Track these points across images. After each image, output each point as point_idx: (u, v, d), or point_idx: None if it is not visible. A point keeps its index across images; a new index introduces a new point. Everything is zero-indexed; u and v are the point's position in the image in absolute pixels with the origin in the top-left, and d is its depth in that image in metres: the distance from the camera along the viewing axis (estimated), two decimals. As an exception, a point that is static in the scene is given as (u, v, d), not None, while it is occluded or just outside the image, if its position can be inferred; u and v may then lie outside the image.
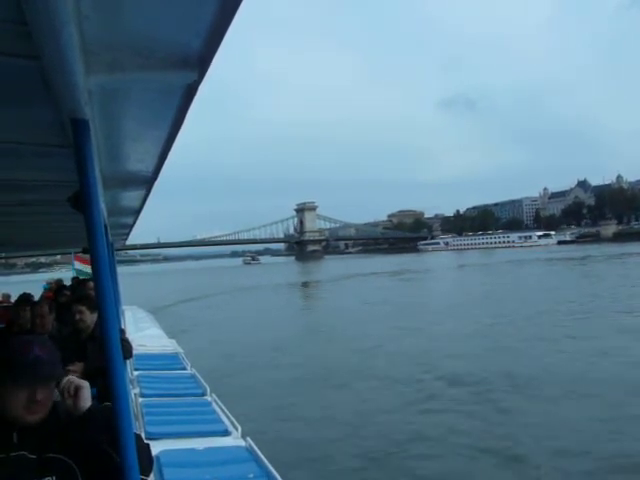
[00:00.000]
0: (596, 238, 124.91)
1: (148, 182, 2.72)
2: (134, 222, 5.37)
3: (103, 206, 3.00)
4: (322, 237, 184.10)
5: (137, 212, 4.34)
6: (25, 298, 5.12)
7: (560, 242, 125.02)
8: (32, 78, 1.19)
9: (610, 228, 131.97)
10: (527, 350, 13.86)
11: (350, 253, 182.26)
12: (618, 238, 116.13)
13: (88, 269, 10.36)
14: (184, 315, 26.05)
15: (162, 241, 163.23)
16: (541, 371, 11.52)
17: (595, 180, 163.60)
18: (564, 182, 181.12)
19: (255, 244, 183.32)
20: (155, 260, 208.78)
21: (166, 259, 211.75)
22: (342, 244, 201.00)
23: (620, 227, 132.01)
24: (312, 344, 16.91)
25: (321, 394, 10.85)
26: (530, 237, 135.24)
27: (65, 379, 1.65)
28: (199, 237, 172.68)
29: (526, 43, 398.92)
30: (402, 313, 22.73)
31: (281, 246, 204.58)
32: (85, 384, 1.69)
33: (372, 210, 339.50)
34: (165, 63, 1.20)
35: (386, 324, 19.69)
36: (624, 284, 28.20)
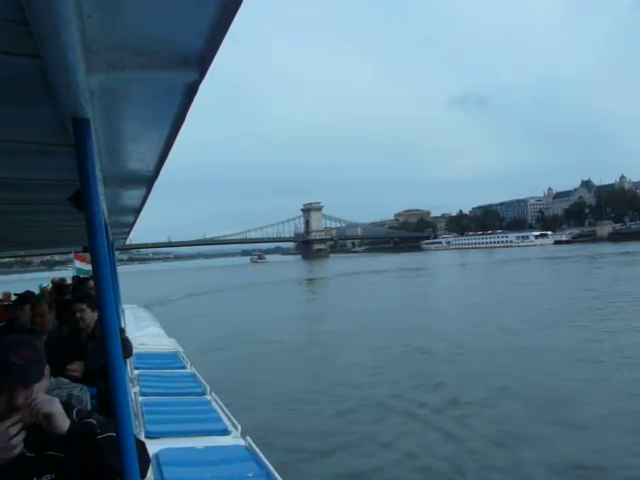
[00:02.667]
0: (592, 238, 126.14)
1: (149, 181, 2.72)
2: (134, 221, 5.37)
3: (104, 205, 3.00)
4: (327, 237, 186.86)
5: (137, 211, 4.34)
6: (25, 297, 5.12)
7: (557, 242, 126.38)
8: (33, 77, 1.19)
9: (606, 228, 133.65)
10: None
11: (357, 252, 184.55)
12: (613, 238, 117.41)
13: (88, 268, 10.38)
14: (186, 307, 30.02)
15: (173, 240, 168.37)
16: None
17: (603, 180, 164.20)
18: (574, 181, 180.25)
19: (264, 243, 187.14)
20: (167, 258, 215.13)
21: (177, 257, 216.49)
22: (350, 243, 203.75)
23: (617, 227, 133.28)
24: (280, 323, 20.99)
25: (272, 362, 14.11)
26: (527, 237, 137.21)
27: (33, 402, 1.51)
28: (209, 236, 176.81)
29: (539, 41, 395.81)
30: (376, 306, 25.62)
31: (292, 245, 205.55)
32: (54, 409, 1.52)
33: (380, 209, 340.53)
34: (166, 62, 1.20)
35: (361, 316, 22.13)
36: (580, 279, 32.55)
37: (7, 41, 1.05)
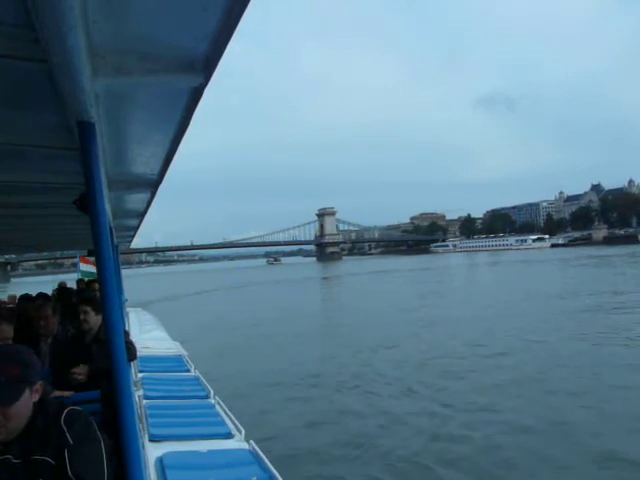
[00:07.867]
0: (588, 241, 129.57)
1: (153, 185, 2.73)
2: (139, 224, 5.38)
3: (108, 208, 3.01)
4: (341, 240, 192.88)
5: (142, 214, 4.36)
6: (31, 295, 5.15)
7: (553, 245, 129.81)
8: (39, 81, 1.20)
9: (601, 232, 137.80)
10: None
11: (372, 254, 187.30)
12: (608, 241, 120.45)
13: (92, 270, 10.44)
14: (195, 302, 34.30)
15: (195, 243, 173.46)
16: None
17: (617, 183, 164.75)
18: (587, 185, 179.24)
19: (285, 245, 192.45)
20: (191, 260, 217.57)
21: (202, 259, 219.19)
22: (367, 246, 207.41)
23: (616, 232, 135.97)
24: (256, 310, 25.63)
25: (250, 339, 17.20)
26: (525, 240, 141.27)
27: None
28: (231, 239, 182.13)
29: (569, 38, 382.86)
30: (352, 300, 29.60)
31: (313, 247, 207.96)
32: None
33: (399, 211, 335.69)
34: (171, 67, 1.21)
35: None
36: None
37: (14, 46, 1.06)
